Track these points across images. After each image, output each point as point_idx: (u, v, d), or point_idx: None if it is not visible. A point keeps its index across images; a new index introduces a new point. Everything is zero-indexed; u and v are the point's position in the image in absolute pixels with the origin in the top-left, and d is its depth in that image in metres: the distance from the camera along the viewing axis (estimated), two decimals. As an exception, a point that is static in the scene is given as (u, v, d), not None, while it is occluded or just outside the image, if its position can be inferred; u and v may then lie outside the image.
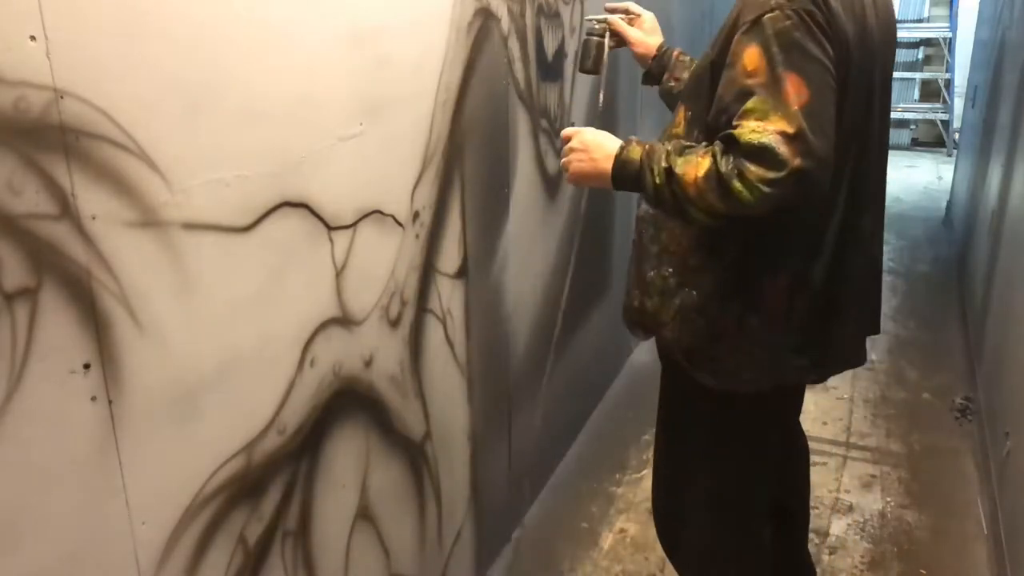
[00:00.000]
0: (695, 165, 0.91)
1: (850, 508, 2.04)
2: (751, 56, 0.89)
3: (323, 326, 1.06)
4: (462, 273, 1.43)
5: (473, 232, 1.45)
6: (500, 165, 1.57)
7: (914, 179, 5.66)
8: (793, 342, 1.08)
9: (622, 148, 1.03)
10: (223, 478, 0.91)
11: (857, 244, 1.11)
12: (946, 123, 6.31)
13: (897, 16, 5.45)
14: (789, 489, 1.38)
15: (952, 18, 6.05)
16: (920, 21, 6.30)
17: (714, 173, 0.89)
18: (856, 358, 1.18)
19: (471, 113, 1.39)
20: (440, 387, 1.42)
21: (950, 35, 6.08)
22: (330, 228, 1.05)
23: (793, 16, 0.89)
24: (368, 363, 1.18)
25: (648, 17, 1.31)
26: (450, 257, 1.38)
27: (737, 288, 1.06)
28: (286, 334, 1.00)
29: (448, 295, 1.39)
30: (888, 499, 2.07)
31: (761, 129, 0.86)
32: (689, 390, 1.14)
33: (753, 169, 0.86)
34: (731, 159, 0.87)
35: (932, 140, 6.58)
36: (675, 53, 1.30)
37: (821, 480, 2.12)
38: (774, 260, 1.05)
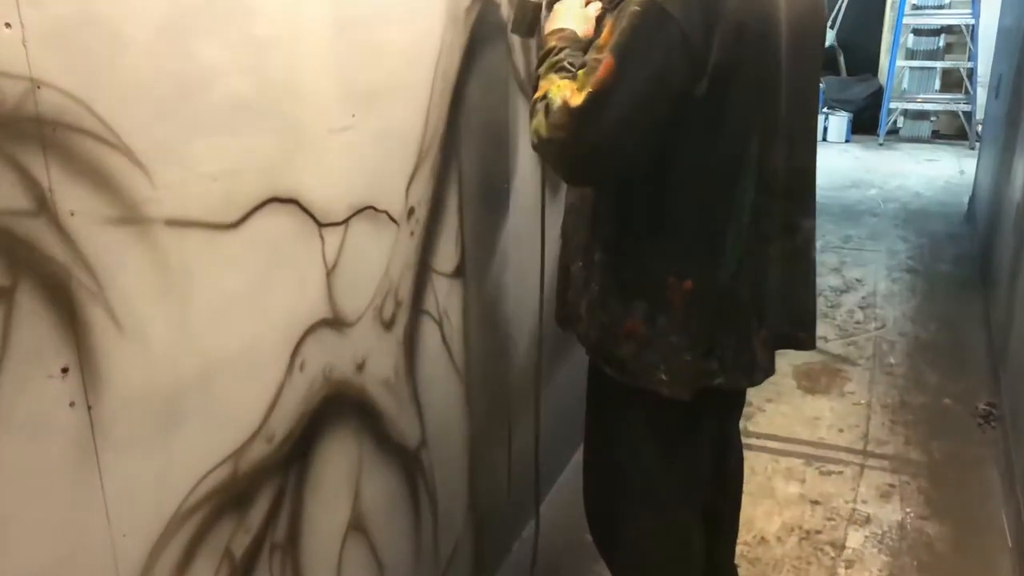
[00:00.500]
0: (550, 82, 1.02)
1: (867, 519, 2.04)
2: (605, 32, 0.98)
3: (313, 328, 1.06)
4: (460, 272, 1.43)
5: (471, 229, 1.45)
6: (500, 159, 1.57)
7: (935, 173, 5.68)
8: (699, 345, 1.10)
9: (551, 33, 1.13)
10: (208, 488, 0.91)
11: (770, 246, 1.13)
12: (968, 114, 6.32)
13: (917, 1, 5.40)
14: (720, 493, 1.42)
15: (975, 4, 6.07)
16: (941, 7, 6.34)
17: (542, 98, 1.01)
18: (773, 368, 1.21)
19: (470, 103, 1.39)
20: (437, 392, 1.42)
21: (973, 22, 6.10)
22: (321, 225, 1.05)
23: (651, 12, 0.94)
24: (361, 367, 1.18)
25: None
26: (447, 255, 1.38)
27: (643, 287, 1.10)
28: (274, 336, 1.00)
29: (445, 295, 1.39)
30: (907, 510, 2.08)
31: (564, 88, 0.98)
32: (613, 388, 1.18)
33: (540, 117, 1.00)
34: (547, 97, 1.00)
35: (953, 132, 6.61)
36: None
37: (837, 490, 2.12)
38: (676, 259, 1.08)
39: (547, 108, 0.99)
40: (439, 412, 1.44)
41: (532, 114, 1.03)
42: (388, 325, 1.23)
